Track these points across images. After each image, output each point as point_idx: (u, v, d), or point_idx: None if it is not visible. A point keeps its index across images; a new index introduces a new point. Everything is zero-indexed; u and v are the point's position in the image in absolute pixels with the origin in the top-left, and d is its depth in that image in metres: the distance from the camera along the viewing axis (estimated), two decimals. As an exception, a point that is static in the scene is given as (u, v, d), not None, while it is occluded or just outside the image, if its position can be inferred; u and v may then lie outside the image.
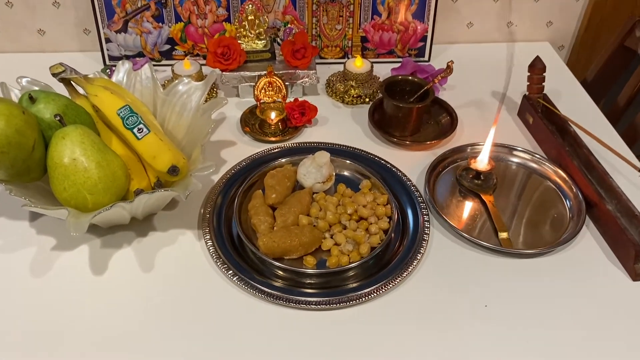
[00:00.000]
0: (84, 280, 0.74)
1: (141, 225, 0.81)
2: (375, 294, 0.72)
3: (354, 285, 0.74)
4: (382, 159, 0.92)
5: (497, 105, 1.06)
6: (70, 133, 0.72)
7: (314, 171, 0.84)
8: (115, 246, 0.79)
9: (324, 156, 0.84)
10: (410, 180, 0.88)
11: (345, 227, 0.79)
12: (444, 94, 1.08)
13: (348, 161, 0.89)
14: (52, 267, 0.76)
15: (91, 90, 0.81)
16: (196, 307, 0.71)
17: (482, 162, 0.87)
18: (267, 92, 0.98)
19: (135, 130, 0.79)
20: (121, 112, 0.80)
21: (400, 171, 0.90)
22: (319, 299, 0.71)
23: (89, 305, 0.71)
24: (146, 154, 0.78)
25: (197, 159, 0.77)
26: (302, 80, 1.04)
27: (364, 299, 0.72)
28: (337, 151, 0.93)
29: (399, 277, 0.74)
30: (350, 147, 0.94)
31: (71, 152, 0.71)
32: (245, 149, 0.95)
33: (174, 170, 0.75)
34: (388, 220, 0.80)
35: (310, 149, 0.93)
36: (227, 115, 1.02)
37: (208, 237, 0.79)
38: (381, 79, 1.10)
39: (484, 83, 1.12)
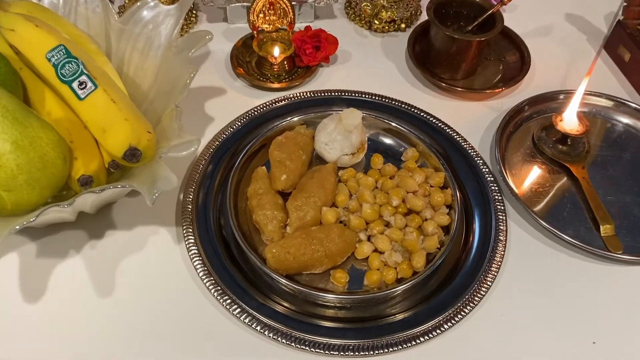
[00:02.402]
0: (14, 305, 0.51)
1: (95, 221, 0.57)
2: (438, 332, 0.50)
3: (403, 314, 0.51)
4: (431, 115, 0.66)
5: (579, 36, 0.79)
6: (-34, 96, 0.45)
7: (339, 139, 0.59)
8: (58, 254, 0.54)
9: (354, 117, 0.58)
10: (473, 148, 0.63)
11: (388, 224, 0.55)
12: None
13: (386, 121, 0.64)
14: (-33, 288, 0.52)
15: (6, 21, 0.54)
16: (172, 345, 0.49)
17: (571, 122, 0.63)
18: (268, 17, 0.70)
19: (74, 84, 0.52)
20: (52, 56, 0.53)
21: (456, 132, 0.64)
22: (355, 342, 0.49)
23: (22, 340, 0.49)
24: (92, 123, 0.52)
25: (170, 128, 0.52)
26: (314, -1, 0.76)
27: (420, 339, 0.49)
28: (367, 103, 0.67)
29: (470, 302, 0.51)
30: (385, 97, 0.68)
31: (-30, 127, 0.45)
32: (239, 99, 0.68)
33: (132, 154, 0.49)
34: (447, 210, 0.56)
35: (328, 99, 0.68)
36: (211, 49, 0.75)
37: (192, 239, 0.55)
38: (421, -4, 0.82)
39: (554, 1, 0.84)
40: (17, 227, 0.43)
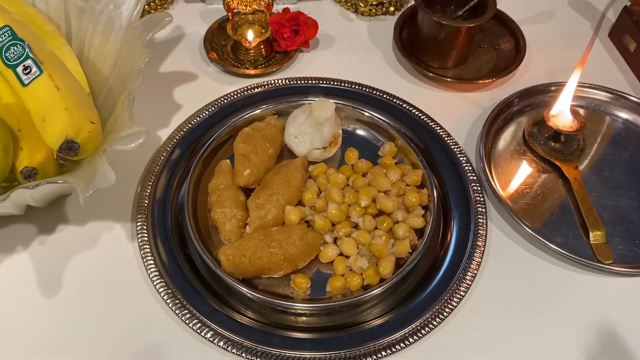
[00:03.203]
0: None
1: (46, 214, 0.53)
2: (402, 345, 0.46)
3: (368, 324, 0.47)
4: (413, 106, 0.61)
5: (580, 24, 0.73)
6: None
7: (310, 131, 0.55)
8: (4, 250, 0.51)
9: (325, 109, 0.54)
10: (456, 143, 0.58)
11: (356, 226, 0.51)
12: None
13: (364, 112, 0.59)
14: None
15: (-52, -1, 0.50)
16: (114, 351, 0.45)
17: (564, 118, 0.58)
18: (244, -1, 0.66)
19: (19, 69, 0.48)
20: (-3, 37, 0.49)
21: (440, 126, 0.60)
22: (311, 354, 0.45)
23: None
24: (34, 111, 0.48)
25: (120, 118, 0.48)
26: (296, -21, 0.71)
27: (382, 353, 0.45)
28: (346, 93, 0.63)
29: (439, 314, 0.47)
30: (366, 86, 0.63)
31: None
32: (210, 86, 0.64)
33: (69, 147, 0.45)
34: (423, 212, 0.52)
35: (305, 88, 0.63)
36: (185, 32, 0.70)
37: (145, 237, 0.51)
38: (411, -23, 0.76)
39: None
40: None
